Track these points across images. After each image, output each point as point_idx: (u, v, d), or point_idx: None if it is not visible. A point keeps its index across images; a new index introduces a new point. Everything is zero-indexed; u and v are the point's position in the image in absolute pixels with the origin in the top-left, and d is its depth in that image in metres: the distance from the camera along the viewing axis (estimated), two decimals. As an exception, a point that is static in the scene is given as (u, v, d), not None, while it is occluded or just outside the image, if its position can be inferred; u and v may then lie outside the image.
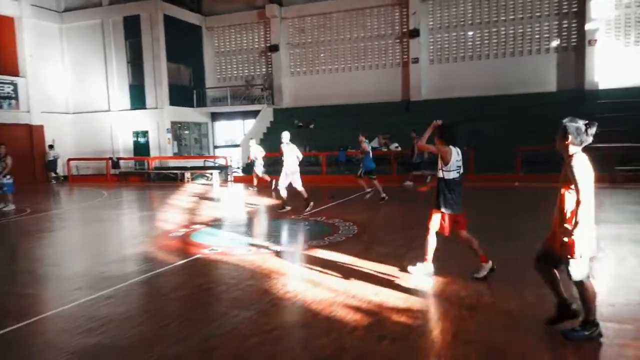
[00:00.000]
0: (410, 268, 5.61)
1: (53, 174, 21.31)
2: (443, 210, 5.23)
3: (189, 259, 6.76)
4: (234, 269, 6.23)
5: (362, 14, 21.99)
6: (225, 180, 20.10)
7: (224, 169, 20.47)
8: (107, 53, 22.18)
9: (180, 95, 22.52)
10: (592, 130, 3.54)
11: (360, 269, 5.89)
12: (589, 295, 3.62)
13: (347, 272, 5.75)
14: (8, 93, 20.21)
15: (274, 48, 22.97)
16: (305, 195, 10.49)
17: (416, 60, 20.97)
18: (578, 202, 3.42)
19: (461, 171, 5.29)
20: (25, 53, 20.72)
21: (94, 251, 7.90)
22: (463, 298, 4.76)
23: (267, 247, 7.33)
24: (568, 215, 3.55)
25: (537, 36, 19.79)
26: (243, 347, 3.83)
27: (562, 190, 3.62)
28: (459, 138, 5.34)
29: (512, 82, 19.40)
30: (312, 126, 21.81)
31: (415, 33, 20.80)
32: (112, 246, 8.35)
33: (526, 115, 17.78)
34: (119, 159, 21.78)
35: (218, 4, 23.82)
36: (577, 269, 3.55)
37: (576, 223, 3.42)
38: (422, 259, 5.49)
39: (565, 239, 3.51)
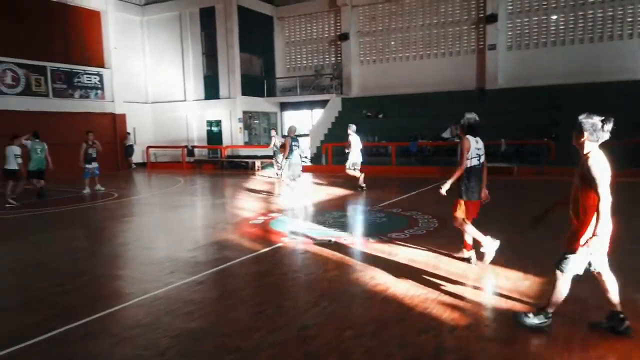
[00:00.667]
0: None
1: (132, 161, 22.49)
2: (465, 198, 5.49)
3: (272, 247, 6.84)
4: (317, 258, 6.23)
5: (436, -1, 21.31)
6: (294, 169, 20.30)
7: (293, 158, 20.66)
8: (184, 44, 23.00)
9: (251, 86, 22.96)
10: (609, 127, 3.46)
11: (448, 264, 5.69)
12: (561, 288, 3.65)
13: (434, 267, 5.57)
14: (95, 83, 21.52)
15: (344, 37, 22.80)
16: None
17: (493, 47, 20.02)
18: (599, 200, 3.33)
19: (481, 159, 5.51)
20: (110, 45, 21.91)
21: (179, 236, 8.20)
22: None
23: (346, 238, 7.28)
24: (586, 213, 3.46)
25: (629, 19, 18.24)
26: (339, 339, 3.79)
27: (578, 189, 3.55)
28: (479, 129, 5.54)
29: (600, 69, 18.03)
30: (380, 116, 21.51)
31: (492, 18, 19.84)
32: (196, 232, 8.63)
33: (614, 105, 16.44)
34: (193, 147, 22.62)
35: (290, -6, 24.02)
36: (574, 263, 3.56)
37: (599, 221, 3.33)
38: (476, 249, 5.66)
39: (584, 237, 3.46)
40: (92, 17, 21.49)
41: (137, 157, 23.62)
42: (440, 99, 20.49)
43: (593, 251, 3.42)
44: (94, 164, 13.57)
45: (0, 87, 18.03)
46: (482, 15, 20.39)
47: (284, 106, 25.13)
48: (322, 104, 22.98)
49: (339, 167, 18.62)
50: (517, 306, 4.32)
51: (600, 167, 3.38)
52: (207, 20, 22.33)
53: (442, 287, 4.84)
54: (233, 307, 4.60)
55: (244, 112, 22.85)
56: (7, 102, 18.13)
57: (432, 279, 5.14)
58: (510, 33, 20.09)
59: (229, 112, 22.53)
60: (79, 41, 21.04)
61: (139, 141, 23.61)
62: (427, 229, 7.76)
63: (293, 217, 9.30)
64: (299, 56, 24.60)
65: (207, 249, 7.00)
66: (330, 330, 3.95)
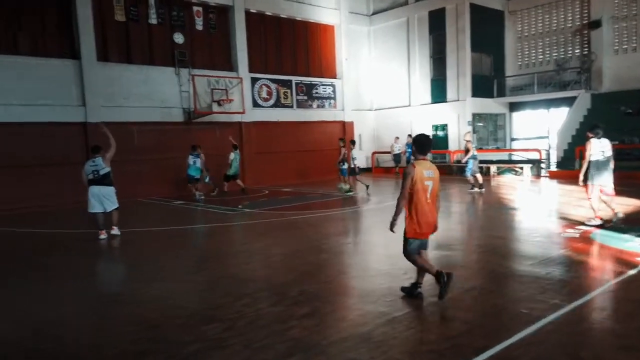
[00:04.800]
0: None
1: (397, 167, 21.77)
2: (588, 182, 8.12)
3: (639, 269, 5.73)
4: None
5: None
6: (538, 175, 18.44)
7: (536, 163, 18.80)
8: (411, 49, 22.94)
9: (480, 86, 21.72)
10: (430, 142, 5.02)
11: None
12: (419, 265, 4.99)
13: None
14: (329, 94, 22.88)
15: (595, 24, 19.94)
16: None
17: None
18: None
19: (606, 155, 7.97)
20: (342, 57, 23.06)
21: (505, 247, 7.54)
22: None
23: None
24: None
25: None
26: None
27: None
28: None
29: None
30: (646, 113, 18.15)
31: None
32: (515, 244, 7.87)
33: None
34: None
35: (524, -15, 22.11)
36: (404, 247, 4.99)
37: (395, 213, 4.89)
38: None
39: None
40: (327, 32, 22.90)
41: (361, 162, 24.38)
42: None
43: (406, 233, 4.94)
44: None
45: (258, 100, 20.31)
46: None
47: (513, 106, 23.21)
48: (563, 101, 20.54)
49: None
50: None
51: (409, 173, 4.74)
52: (436, 22, 21.85)
53: None
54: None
55: (472, 115, 21.71)
56: (262, 114, 20.32)
57: None
58: None
59: (456, 115, 21.67)
60: (316, 55, 22.62)
61: (364, 147, 24.41)
62: None
63: (611, 230, 7.93)
64: (533, 51, 22.42)
65: (549, 265, 6.18)
66: None
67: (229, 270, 6.66)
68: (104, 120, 15.73)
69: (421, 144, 4.89)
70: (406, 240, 4.91)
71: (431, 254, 7.04)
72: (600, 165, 7.95)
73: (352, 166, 15.36)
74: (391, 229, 4.92)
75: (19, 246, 9.31)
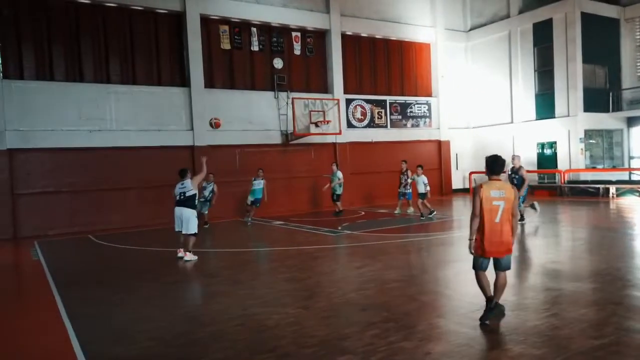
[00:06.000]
0: None
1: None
2: None
3: None
4: None
5: None
6: (668, 198, 16.42)
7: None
8: (513, 64, 21.76)
9: (593, 100, 19.99)
10: (500, 162, 4.94)
11: None
12: (477, 283, 5.12)
13: None
14: (424, 113, 22.32)
15: None
16: None
17: None
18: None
19: None
20: (438, 74, 22.46)
21: None
22: None
23: None
24: None
25: None
26: None
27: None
28: None
29: None
30: None
31: None
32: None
33: None
34: (527, 171, 20.88)
35: (643, -11, 20.19)
36: (473, 263, 5.13)
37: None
38: None
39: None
40: (423, 50, 22.47)
41: (458, 183, 23.45)
42: None
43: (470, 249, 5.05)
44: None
45: (352, 120, 20.28)
46: None
47: (632, 121, 21.09)
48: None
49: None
50: None
51: (478, 193, 4.85)
52: (542, 34, 20.56)
53: None
54: None
55: (585, 131, 19.97)
56: (356, 134, 20.24)
57: None
58: None
59: (566, 132, 20.04)
60: (411, 73, 22.24)
61: (460, 167, 23.45)
62: None
63: None
64: (655, 60, 20.30)
65: None
66: None
67: (346, 296, 6.41)
68: (209, 143, 16.57)
69: (489, 165, 5.03)
70: (474, 257, 5.08)
71: (570, 287, 6.29)
72: None
73: (424, 191, 14.32)
74: (470, 250, 5.06)
75: (142, 264, 9.82)
